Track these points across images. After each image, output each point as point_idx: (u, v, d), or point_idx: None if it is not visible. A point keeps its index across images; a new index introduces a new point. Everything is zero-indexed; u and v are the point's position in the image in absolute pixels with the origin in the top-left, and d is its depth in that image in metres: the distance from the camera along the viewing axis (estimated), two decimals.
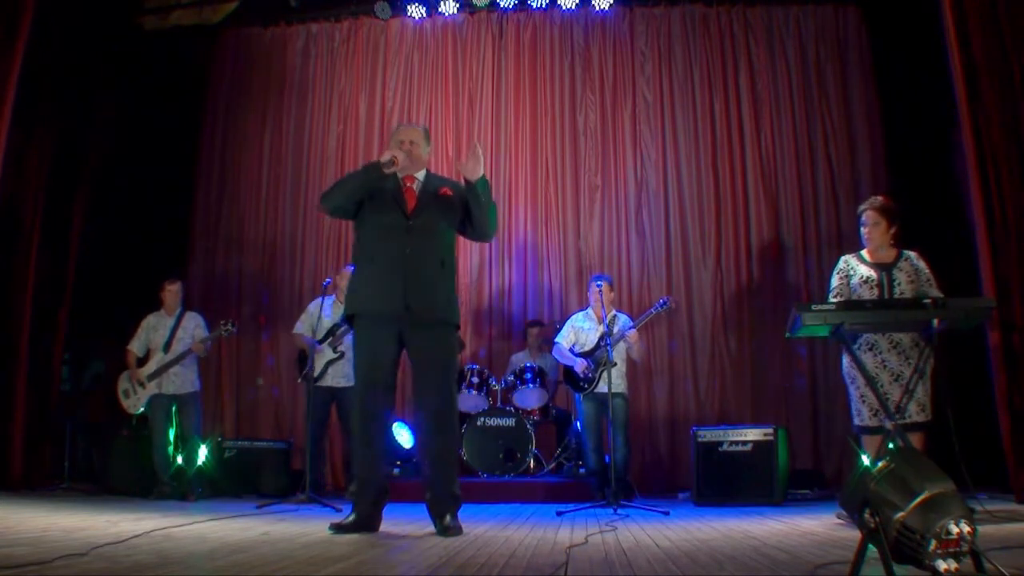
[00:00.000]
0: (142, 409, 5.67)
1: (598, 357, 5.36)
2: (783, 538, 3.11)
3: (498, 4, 7.23)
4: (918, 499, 1.82)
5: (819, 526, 3.58)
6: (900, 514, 1.83)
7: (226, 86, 7.52)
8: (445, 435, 3.46)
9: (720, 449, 5.14)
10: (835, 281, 4.07)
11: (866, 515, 1.89)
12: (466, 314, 6.73)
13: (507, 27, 7.34)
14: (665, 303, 5.53)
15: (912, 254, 3.99)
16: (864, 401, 3.85)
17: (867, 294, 3.91)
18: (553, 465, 6.09)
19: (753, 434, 5.14)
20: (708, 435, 5.21)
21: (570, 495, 5.22)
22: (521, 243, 7.02)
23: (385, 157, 3.43)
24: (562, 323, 5.81)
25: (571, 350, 5.50)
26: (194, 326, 5.84)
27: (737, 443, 5.13)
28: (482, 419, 5.83)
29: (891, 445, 3.28)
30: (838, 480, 5.97)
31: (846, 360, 3.94)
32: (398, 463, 5.98)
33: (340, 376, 5.60)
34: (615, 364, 5.17)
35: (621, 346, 5.40)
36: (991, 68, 4.72)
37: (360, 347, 3.53)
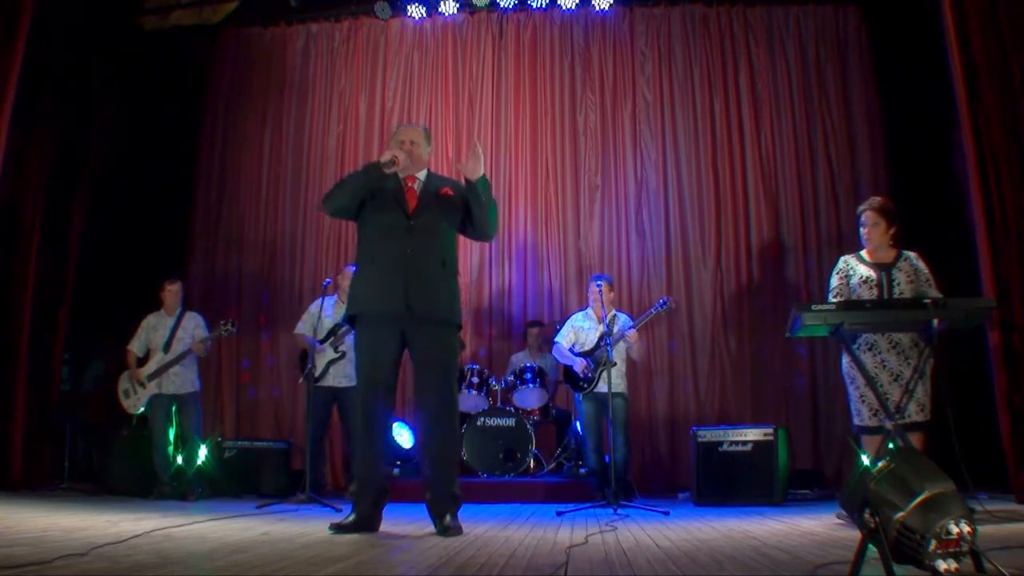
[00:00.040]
0: (142, 409, 5.68)
1: (598, 357, 5.36)
2: (783, 538, 3.11)
3: (498, 4, 7.23)
4: (918, 499, 1.82)
5: (819, 526, 3.58)
6: (900, 514, 1.83)
7: (226, 86, 7.52)
8: (445, 435, 3.47)
9: (720, 449, 5.14)
10: (835, 281, 4.07)
11: (866, 515, 1.89)
12: (466, 314, 6.71)
13: (507, 27, 7.33)
14: (665, 303, 5.53)
15: (912, 254, 4.00)
16: (864, 401, 3.86)
17: (867, 294, 3.92)
18: (553, 465, 6.08)
19: (753, 434, 5.14)
20: (708, 435, 5.21)
21: (570, 495, 5.22)
22: (521, 243, 7.02)
23: (385, 157, 3.43)
24: (562, 323, 5.81)
25: (571, 350, 5.50)
26: (194, 326, 5.84)
27: (737, 443, 5.13)
28: (482, 419, 5.83)
29: (891, 445, 3.28)
30: (838, 480, 5.97)
31: (846, 360, 3.94)
32: (398, 463, 5.99)
33: (341, 376, 5.60)
34: (615, 364, 5.16)
35: (621, 346, 5.40)
36: (991, 68, 4.72)
37: (362, 347, 3.54)
